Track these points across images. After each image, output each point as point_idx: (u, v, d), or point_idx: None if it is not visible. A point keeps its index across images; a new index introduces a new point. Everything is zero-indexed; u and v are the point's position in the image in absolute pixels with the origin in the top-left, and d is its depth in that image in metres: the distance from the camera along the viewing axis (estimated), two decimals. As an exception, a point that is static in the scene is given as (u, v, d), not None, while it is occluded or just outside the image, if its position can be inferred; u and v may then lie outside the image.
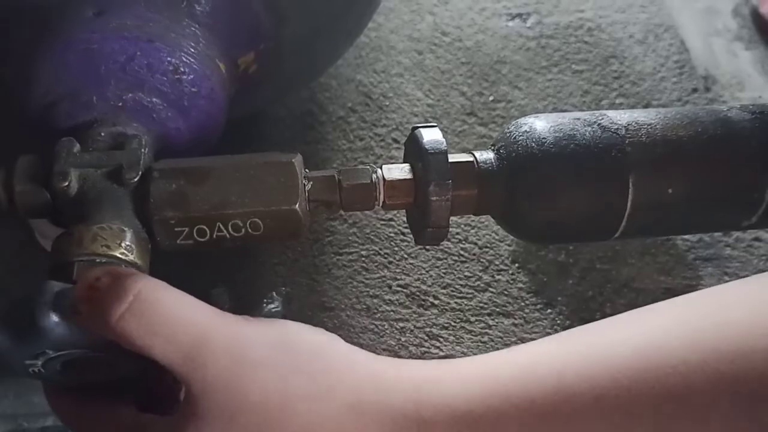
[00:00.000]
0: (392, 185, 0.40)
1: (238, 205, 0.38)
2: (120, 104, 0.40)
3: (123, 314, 0.32)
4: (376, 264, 0.57)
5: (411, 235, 0.58)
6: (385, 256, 0.58)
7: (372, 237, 0.58)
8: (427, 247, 0.58)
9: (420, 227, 0.40)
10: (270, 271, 0.55)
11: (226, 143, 0.45)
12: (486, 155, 0.41)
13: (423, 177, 0.39)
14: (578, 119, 0.41)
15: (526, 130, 0.40)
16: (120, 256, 0.37)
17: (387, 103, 0.66)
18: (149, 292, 0.33)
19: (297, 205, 0.38)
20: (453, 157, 0.40)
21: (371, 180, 0.40)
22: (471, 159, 0.41)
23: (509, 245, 0.59)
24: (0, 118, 0.45)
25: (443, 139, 0.39)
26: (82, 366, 0.37)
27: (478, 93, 0.67)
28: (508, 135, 0.41)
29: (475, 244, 0.59)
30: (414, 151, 0.40)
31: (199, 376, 0.33)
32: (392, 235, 0.59)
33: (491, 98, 0.67)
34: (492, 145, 0.42)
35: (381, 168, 0.41)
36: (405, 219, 0.59)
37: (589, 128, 0.40)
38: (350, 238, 0.58)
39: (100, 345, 0.34)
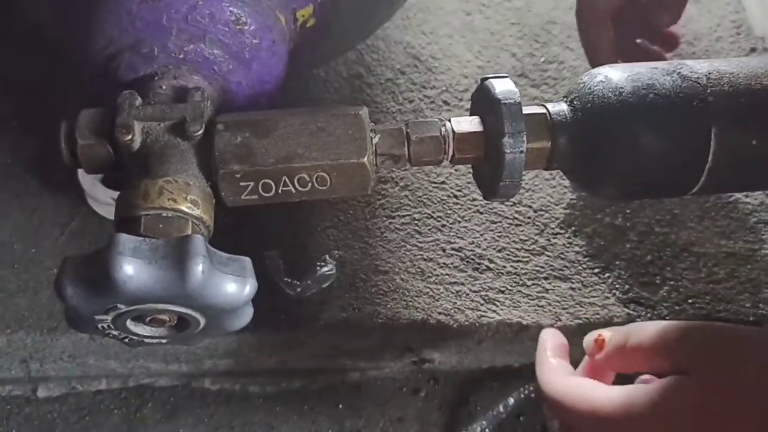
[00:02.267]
0: (462, 138, 0.39)
1: (304, 158, 0.37)
2: (181, 56, 0.39)
3: None
4: (428, 227, 0.56)
5: (464, 198, 0.57)
6: (438, 219, 0.56)
7: (424, 200, 0.57)
8: (480, 210, 0.57)
9: (491, 181, 0.39)
10: (323, 235, 0.54)
11: (274, 107, 0.44)
12: (559, 107, 0.40)
13: (496, 129, 0.37)
14: (656, 68, 0.39)
15: (601, 80, 0.39)
16: (187, 210, 0.36)
17: (436, 65, 0.64)
18: None
19: (365, 159, 0.37)
20: (525, 109, 0.38)
21: (440, 133, 0.39)
22: (543, 111, 0.39)
23: (565, 208, 0.57)
24: (60, 71, 0.45)
25: (516, 90, 0.38)
26: (150, 323, 0.36)
27: (529, 54, 0.66)
28: (582, 86, 0.40)
29: (530, 207, 0.57)
30: (484, 103, 0.39)
31: None
32: (445, 198, 0.57)
33: (542, 59, 0.65)
34: (564, 97, 0.40)
35: (450, 121, 0.39)
36: (457, 182, 0.58)
37: (669, 77, 0.38)
38: (402, 201, 0.57)
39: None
